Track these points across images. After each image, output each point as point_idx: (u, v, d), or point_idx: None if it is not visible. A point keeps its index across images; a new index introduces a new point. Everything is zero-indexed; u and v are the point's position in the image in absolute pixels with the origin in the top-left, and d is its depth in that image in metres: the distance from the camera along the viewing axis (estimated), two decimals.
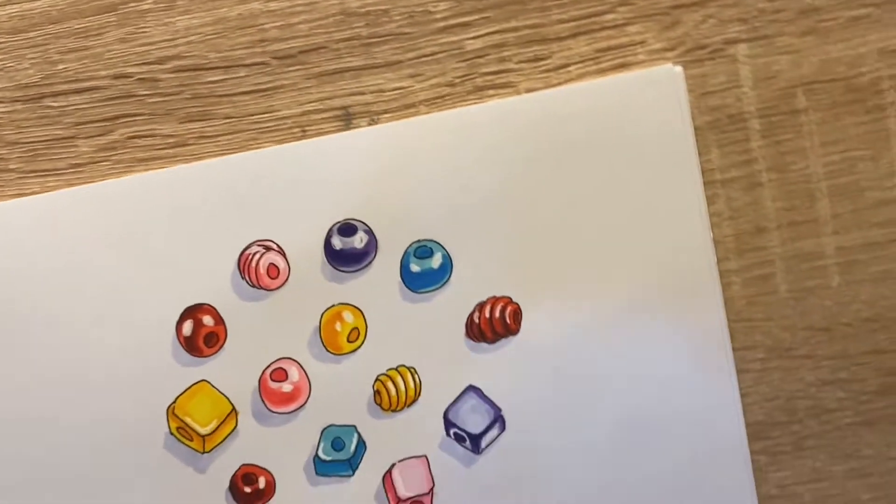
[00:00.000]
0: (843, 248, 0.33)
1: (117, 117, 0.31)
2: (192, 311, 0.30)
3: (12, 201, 0.30)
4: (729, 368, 0.31)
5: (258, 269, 0.30)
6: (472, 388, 0.31)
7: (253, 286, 0.30)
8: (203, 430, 0.30)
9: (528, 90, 0.31)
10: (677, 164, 0.31)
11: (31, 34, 0.31)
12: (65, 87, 0.31)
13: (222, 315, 0.30)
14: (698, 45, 0.32)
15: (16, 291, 0.30)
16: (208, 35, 0.31)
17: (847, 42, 0.32)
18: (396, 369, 0.31)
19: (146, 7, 0.31)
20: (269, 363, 0.30)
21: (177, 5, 0.31)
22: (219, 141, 0.31)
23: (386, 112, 0.32)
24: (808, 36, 0.32)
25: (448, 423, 0.31)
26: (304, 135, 0.31)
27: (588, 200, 0.30)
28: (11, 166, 0.31)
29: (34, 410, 0.30)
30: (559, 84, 0.31)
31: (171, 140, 0.31)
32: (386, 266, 0.30)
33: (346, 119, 0.32)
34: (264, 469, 0.31)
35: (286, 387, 0.30)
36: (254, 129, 0.31)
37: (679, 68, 0.31)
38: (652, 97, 0.30)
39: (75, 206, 0.30)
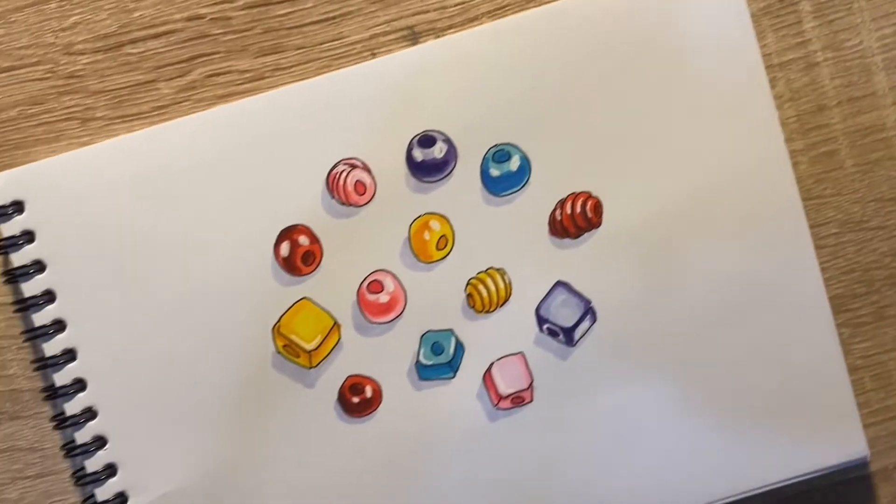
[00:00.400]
0: None
1: (194, 58, 0.33)
2: (288, 233, 0.31)
3: (108, 142, 0.32)
4: (807, 244, 0.32)
5: (346, 187, 0.31)
6: (560, 284, 0.32)
7: (342, 204, 0.31)
8: (308, 346, 0.32)
9: None
10: (739, 50, 0.32)
11: None
12: (142, 33, 0.32)
13: (316, 234, 0.31)
14: None
15: (123, 226, 0.31)
16: None
17: None
18: (486, 272, 0.32)
19: None
20: (364, 276, 0.32)
21: None
22: (293, 71, 0.33)
23: (450, 27, 0.33)
24: None
25: (540, 320, 0.32)
26: (374, 57, 0.32)
27: (656, 91, 0.31)
28: (98, 114, 0.33)
29: (148, 341, 0.31)
30: None
31: (247, 75, 0.33)
32: (466, 173, 0.32)
33: (413, 38, 0.33)
34: (370, 378, 0.32)
35: (383, 297, 0.32)
36: (325, 57, 0.33)
37: None
38: None
39: (165, 141, 0.31)
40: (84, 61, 0.33)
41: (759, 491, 0.33)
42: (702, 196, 0.32)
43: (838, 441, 0.32)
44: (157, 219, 0.31)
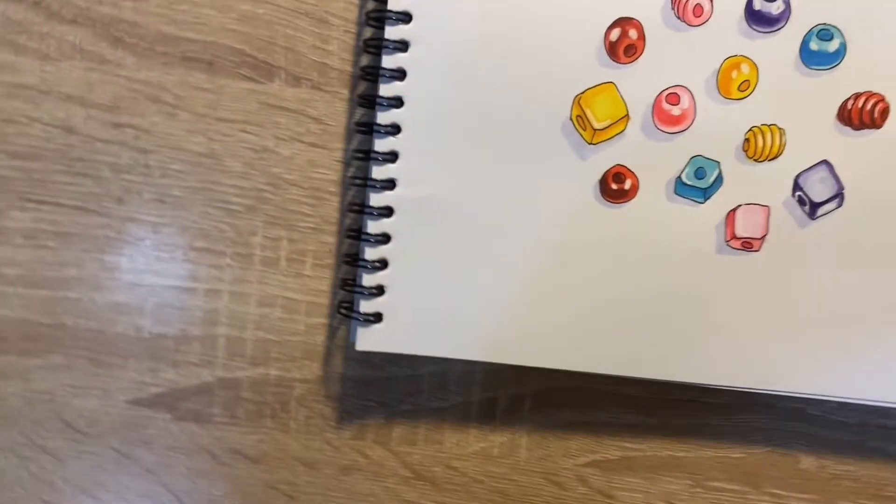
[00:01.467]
0: None
1: None
2: (622, 22, 0.35)
3: None
4: None
5: (687, 5, 0.35)
6: (825, 163, 0.36)
7: (678, 18, 0.35)
8: (597, 125, 0.35)
9: None
10: None
11: None
12: None
13: (646, 33, 0.35)
14: None
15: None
16: None
17: None
18: (769, 126, 0.35)
19: None
20: (668, 86, 0.35)
21: None
22: None
23: None
24: None
25: (796, 186, 0.36)
26: None
27: None
28: None
29: (483, 63, 0.35)
30: None
31: None
32: (791, 37, 0.35)
33: None
34: (634, 173, 0.36)
35: (676, 111, 0.35)
36: None
37: None
38: None
39: None
40: None
41: (888, 405, 0.36)
42: None
43: None
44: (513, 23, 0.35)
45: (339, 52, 0.37)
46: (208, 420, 0.39)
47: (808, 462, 0.38)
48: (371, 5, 0.36)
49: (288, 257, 0.38)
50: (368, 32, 0.36)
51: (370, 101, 0.35)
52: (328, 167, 0.37)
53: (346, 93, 0.37)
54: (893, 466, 0.38)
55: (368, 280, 0.36)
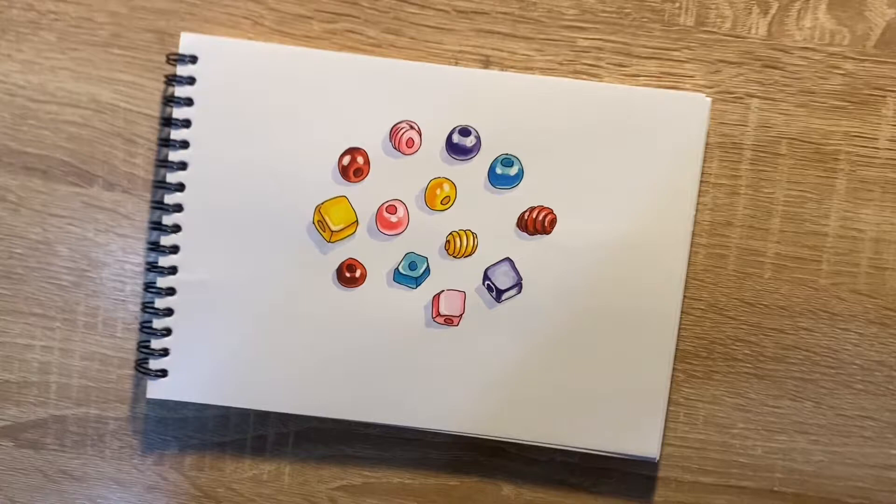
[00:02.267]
0: (779, 255, 0.48)
1: (343, 14, 0.47)
2: (352, 151, 0.46)
3: (273, 45, 0.46)
4: (677, 302, 0.46)
5: (401, 139, 0.46)
6: (508, 259, 0.46)
7: (395, 148, 0.46)
8: (334, 227, 0.46)
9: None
10: (689, 160, 0.46)
11: None
12: None
13: (370, 159, 0.46)
14: (728, 91, 0.47)
15: (259, 104, 0.46)
16: None
17: (825, 120, 0.47)
18: (466, 231, 0.46)
19: None
20: (387, 200, 0.46)
21: None
22: (402, 50, 0.47)
23: (513, 68, 0.47)
24: (801, 108, 0.47)
25: (485, 277, 0.47)
26: (457, 63, 0.47)
27: (622, 163, 0.46)
28: (266, 24, 0.47)
29: (244, 177, 0.46)
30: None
31: (371, 41, 0.47)
32: (481, 163, 0.46)
33: (486, 63, 0.47)
34: (363, 265, 0.46)
35: (393, 218, 0.46)
36: (424, 50, 0.47)
37: (709, 100, 0.46)
38: (687, 110, 0.46)
39: (304, 61, 0.46)
40: None
41: (575, 449, 0.47)
42: (622, 243, 0.46)
43: (642, 438, 0.46)
44: (275, 108, 0.46)
45: (144, 165, 0.48)
46: (42, 447, 0.49)
47: (508, 489, 0.49)
48: (164, 133, 0.47)
49: (104, 322, 0.49)
50: (163, 153, 0.47)
51: (160, 205, 0.46)
52: (135, 252, 0.48)
53: (148, 196, 0.48)
54: (574, 493, 0.49)
55: (156, 344, 0.47)
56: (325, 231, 0.46)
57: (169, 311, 0.47)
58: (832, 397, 0.48)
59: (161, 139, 0.47)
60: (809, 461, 0.48)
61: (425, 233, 0.46)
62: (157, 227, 0.47)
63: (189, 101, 0.46)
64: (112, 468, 0.50)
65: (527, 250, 0.46)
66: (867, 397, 0.48)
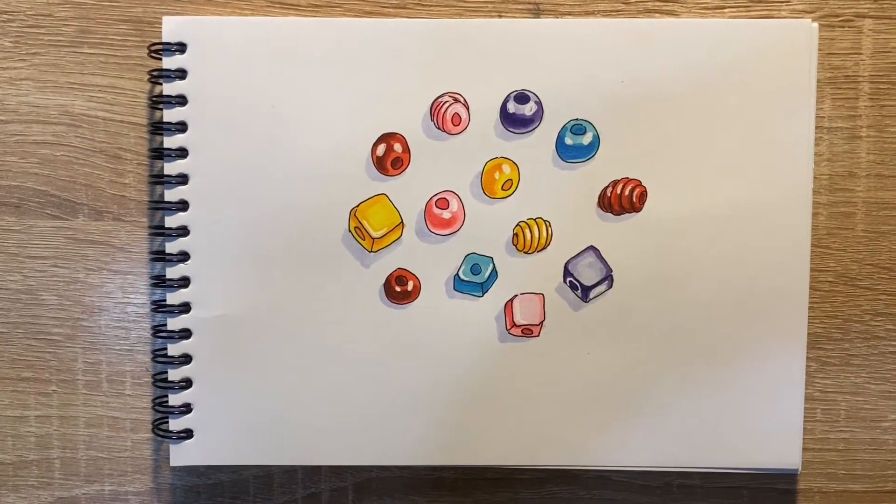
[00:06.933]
0: None
1: None
2: (387, 137, 0.37)
3: (268, 18, 0.38)
4: (804, 282, 0.37)
5: (445, 116, 0.37)
6: (592, 248, 0.38)
7: (438, 129, 0.37)
8: (375, 234, 0.38)
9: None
10: (798, 102, 0.37)
11: None
12: None
13: (410, 146, 0.37)
14: (833, 13, 0.38)
15: (259, 91, 0.37)
16: None
17: None
18: (535, 219, 0.38)
19: None
20: (436, 192, 0.38)
21: None
22: (431, 9, 0.39)
23: (570, 14, 0.39)
24: None
25: (566, 272, 0.38)
26: (500, 17, 0.38)
27: (719, 116, 0.37)
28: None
29: (252, 187, 0.37)
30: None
31: (394, 1, 0.39)
32: (546, 135, 0.37)
33: (536, 13, 0.39)
34: (414, 275, 0.38)
35: (446, 214, 0.38)
36: (459, 6, 0.39)
37: (815, 25, 0.37)
38: (790, 41, 0.37)
39: (319, 33, 0.37)
40: None
41: (696, 470, 0.39)
42: (726, 214, 0.37)
43: (778, 448, 0.38)
44: (288, 94, 0.37)
45: (135, 184, 0.39)
46: None
47: None
48: (156, 141, 0.39)
49: (108, 379, 0.40)
50: (157, 166, 0.39)
51: (160, 230, 0.38)
52: (136, 291, 0.40)
53: (145, 221, 0.39)
54: None
55: (175, 399, 0.38)
56: (364, 239, 0.38)
57: (186, 359, 0.38)
58: None
59: (153, 150, 0.39)
60: None
61: (487, 227, 0.38)
62: (161, 256, 0.38)
63: (182, 100, 0.37)
64: None
65: (614, 235, 0.38)
66: None
